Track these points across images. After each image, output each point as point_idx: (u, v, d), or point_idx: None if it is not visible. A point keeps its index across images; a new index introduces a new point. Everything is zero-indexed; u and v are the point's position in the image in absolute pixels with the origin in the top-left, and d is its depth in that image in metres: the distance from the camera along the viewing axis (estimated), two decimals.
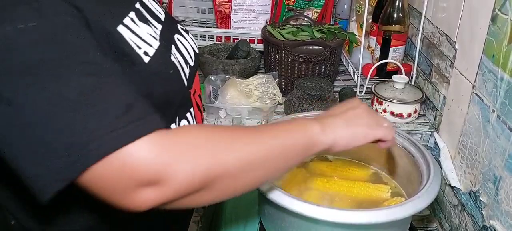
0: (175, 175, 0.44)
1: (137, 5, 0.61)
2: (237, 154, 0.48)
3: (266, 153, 0.51)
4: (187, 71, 0.68)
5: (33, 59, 0.43)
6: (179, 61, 0.66)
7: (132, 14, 0.58)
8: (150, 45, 0.59)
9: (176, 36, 0.69)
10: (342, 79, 1.40)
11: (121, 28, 0.55)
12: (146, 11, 0.62)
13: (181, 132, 0.47)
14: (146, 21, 0.60)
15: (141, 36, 0.58)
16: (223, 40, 1.49)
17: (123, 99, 0.45)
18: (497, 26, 0.86)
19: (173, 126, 0.65)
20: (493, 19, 0.87)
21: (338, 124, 0.59)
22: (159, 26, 0.64)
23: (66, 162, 0.42)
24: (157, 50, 0.60)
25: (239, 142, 0.49)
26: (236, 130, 0.52)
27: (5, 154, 0.44)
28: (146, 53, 0.58)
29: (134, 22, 0.58)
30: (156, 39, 0.61)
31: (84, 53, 0.46)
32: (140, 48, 0.57)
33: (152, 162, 0.43)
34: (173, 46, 0.66)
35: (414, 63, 1.27)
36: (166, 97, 0.61)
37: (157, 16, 0.65)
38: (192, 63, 0.70)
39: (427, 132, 1.15)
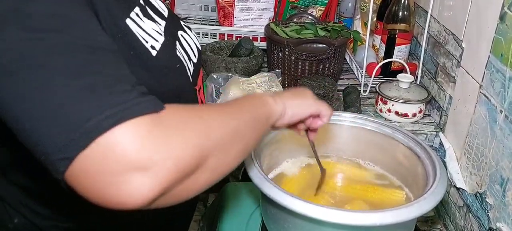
0: (168, 156, 0.41)
1: (141, 1, 0.61)
2: (220, 128, 0.49)
3: (241, 125, 0.52)
4: (191, 68, 0.68)
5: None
6: (183, 57, 0.66)
7: (137, 9, 0.58)
8: (156, 40, 0.59)
9: (180, 32, 0.69)
10: (346, 78, 1.38)
11: (129, 22, 0.55)
12: (150, 7, 0.62)
13: (168, 113, 0.45)
14: (150, 17, 0.61)
15: (147, 31, 0.58)
16: (226, 38, 1.48)
17: (112, 80, 0.43)
18: (506, 25, 0.84)
19: None
20: (502, 17, 0.85)
21: (287, 96, 0.65)
22: (163, 23, 0.64)
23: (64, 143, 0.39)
24: (162, 45, 0.60)
25: (219, 117, 0.50)
26: (212, 107, 0.53)
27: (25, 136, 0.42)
28: (153, 48, 0.58)
29: (140, 17, 0.58)
30: (160, 34, 0.61)
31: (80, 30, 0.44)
32: (147, 42, 0.57)
33: (140, 145, 0.40)
34: (177, 42, 0.66)
35: (419, 62, 1.25)
36: (175, 93, 0.61)
37: (160, 12, 0.65)
38: (195, 60, 0.70)
39: (433, 132, 1.13)
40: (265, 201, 0.72)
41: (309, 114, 0.68)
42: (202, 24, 1.58)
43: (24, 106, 0.40)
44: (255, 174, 0.68)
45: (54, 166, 0.40)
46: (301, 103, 0.66)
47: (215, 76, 1.19)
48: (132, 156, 0.40)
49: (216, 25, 1.56)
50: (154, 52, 0.57)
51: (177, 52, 0.64)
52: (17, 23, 0.41)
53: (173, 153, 0.41)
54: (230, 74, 1.19)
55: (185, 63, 0.66)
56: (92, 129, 0.39)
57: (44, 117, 0.40)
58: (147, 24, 0.59)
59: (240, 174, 1.25)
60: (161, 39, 0.60)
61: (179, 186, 0.43)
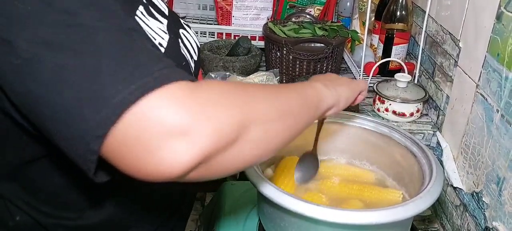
0: (206, 120, 0.39)
1: (144, 0, 0.61)
2: (265, 101, 0.47)
3: (288, 102, 0.50)
4: (192, 66, 0.68)
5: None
6: (186, 55, 0.66)
7: (141, 8, 0.58)
8: (162, 38, 0.59)
9: (181, 30, 0.69)
10: None
11: (137, 19, 0.55)
12: (152, 6, 0.62)
13: (206, 83, 0.44)
14: (153, 16, 0.61)
15: (153, 29, 0.58)
16: (224, 37, 1.48)
17: (147, 53, 0.43)
18: (503, 24, 0.84)
19: None
20: (498, 17, 0.86)
21: (330, 85, 0.61)
22: (165, 21, 0.64)
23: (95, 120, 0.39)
24: (168, 42, 0.60)
25: (264, 91, 0.48)
26: (256, 84, 0.51)
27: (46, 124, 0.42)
28: (161, 45, 0.58)
29: (144, 16, 0.58)
30: (165, 33, 0.61)
31: (113, 10, 0.44)
32: (154, 39, 0.57)
33: (178, 109, 0.39)
34: (179, 40, 0.66)
35: (417, 62, 1.25)
36: None
37: (162, 11, 0.65)
38: (196, 58, 0.71)
39: (430, 132, 1.14)
40: (262, 200, 0.73)
41: (356, 97, 0.67)
42: (200, 23, 1.58)
43: (56, 90, 0.40)
44: (252, 173, 0.68)
45: (88, 146, 0.39)
46: (348, 89, 0.64)
47: (213, 75, 1.19)
48: (169, 121, 0.38)
49: (214, 24, 1.56)
50: (162, 50, 0.58)
51: (181, 50, 0.65)
52: (48, 9, 0.40)
53: (212, 117, 0.40)
54: (228, 73, 1.19)
55: (188, 61, 0.66)
56: (120, 102, 0.38)
57: (74, 98, 0.39)
58: (152, 22, 0.59)
59: (238, 173, 1.25)
60: (167, 37, 0.60)
61: (220, 157, 0.41)
